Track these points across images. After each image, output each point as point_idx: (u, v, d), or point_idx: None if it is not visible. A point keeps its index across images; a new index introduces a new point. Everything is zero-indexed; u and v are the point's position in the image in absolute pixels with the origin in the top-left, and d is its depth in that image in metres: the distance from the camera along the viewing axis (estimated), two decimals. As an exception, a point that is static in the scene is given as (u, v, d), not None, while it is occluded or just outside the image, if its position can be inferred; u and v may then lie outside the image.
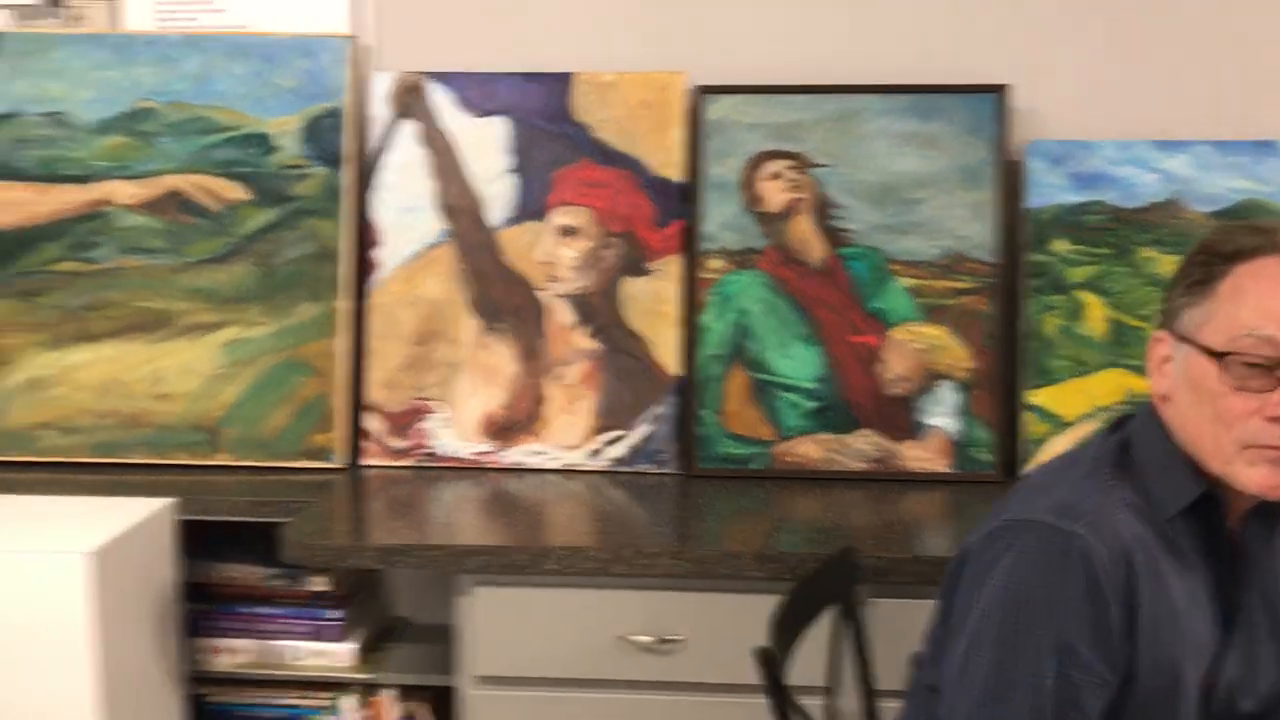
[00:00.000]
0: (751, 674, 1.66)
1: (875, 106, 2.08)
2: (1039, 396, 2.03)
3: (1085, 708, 1.12)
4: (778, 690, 1.34)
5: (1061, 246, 2.06)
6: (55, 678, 1.67)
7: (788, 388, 2.07)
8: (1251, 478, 1.12)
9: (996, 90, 2.06)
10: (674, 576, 1.68)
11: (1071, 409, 2.01)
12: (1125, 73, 2.10)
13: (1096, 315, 2.04)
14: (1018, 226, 2.08)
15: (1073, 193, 2.06)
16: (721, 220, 2.09)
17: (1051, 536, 1.14)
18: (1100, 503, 1.16)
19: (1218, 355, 1.11)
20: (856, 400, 2.06)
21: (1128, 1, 2.09)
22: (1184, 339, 1.16)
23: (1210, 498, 1.18)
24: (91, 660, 1.66)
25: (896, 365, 2.06)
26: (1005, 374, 2.05)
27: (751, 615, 1.66)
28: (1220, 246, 1.16)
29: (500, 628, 1.72)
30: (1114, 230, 2.04)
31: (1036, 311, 2.05)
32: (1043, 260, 2.05)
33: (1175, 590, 1.16)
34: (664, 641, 1.69)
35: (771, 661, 1.34)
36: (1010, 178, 2.08)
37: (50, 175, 2.14)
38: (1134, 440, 1.22)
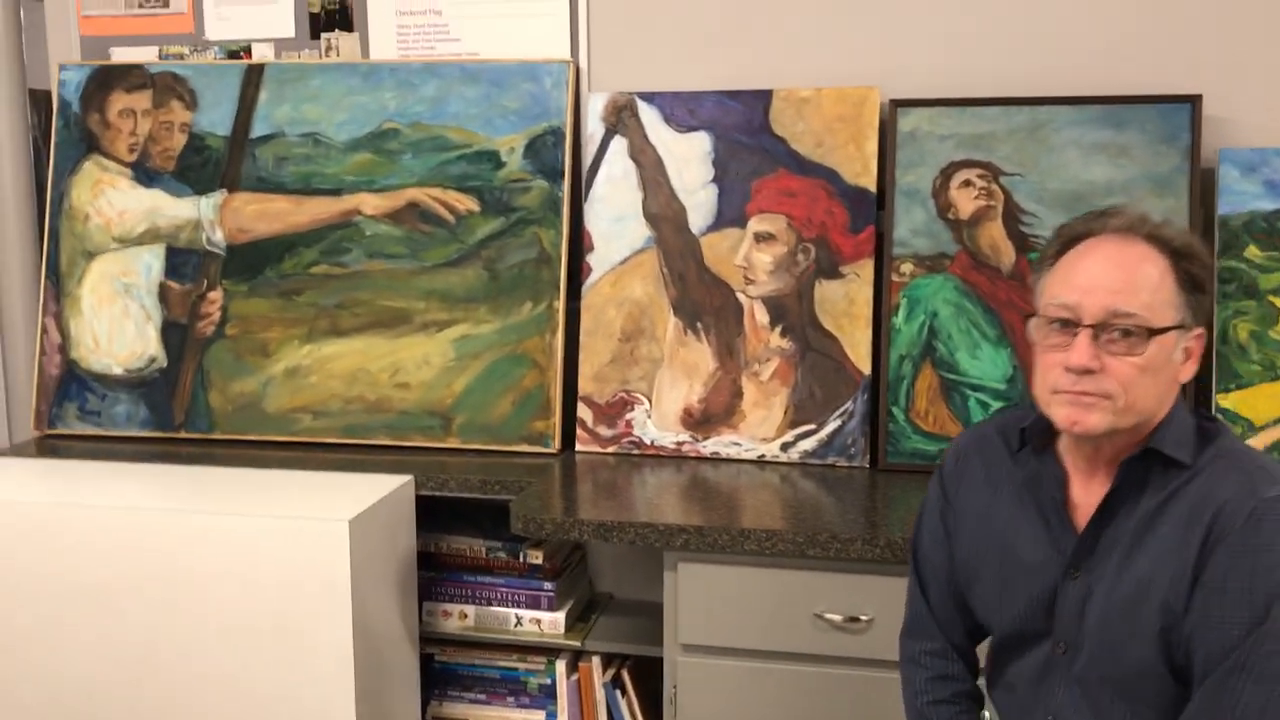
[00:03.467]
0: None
1: (1066, 117, 2.14)
2: (1229, 400, 2.06)
3: None
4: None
5: (1254, 253, 2.08)
6: (318, 631, 1.90)
7: (976, 387, 2.16)
8: (1057, 416, 1.29)
9: (1191, 100, 2.09)
10: (865, 561, 1.80)
11: (1262, 413, 2.04)
12: (1324, 79, 2.11)
13: (1291, 321, 2.06)
14: (1209, 233, 2.11)
15: (1265, 200, 2.08)
16: (912, 227, 2.20)
17: None
18: None
19: (1034, 317, 1.33)
20: (1043, 400, 2.13)
21: (1328, 8, 2.10)
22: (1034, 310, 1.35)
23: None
24: (348, 614, 1.89)
25: (1084, 367, 2.12)
26: (1195, 377, 2.08)
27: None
28: (1066, 231, 1.34)
29: (703, 601, 1.88)
30: (1310, 236, 2.06)
31: (1228, 317, 2.08)
32: (1234, 266, 2.08)
33: None
34: (854, 620, 1.82)
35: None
36: (1202, 185, 2.11)
37: (307, 189, 2.42)
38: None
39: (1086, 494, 1.33)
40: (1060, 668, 1.32)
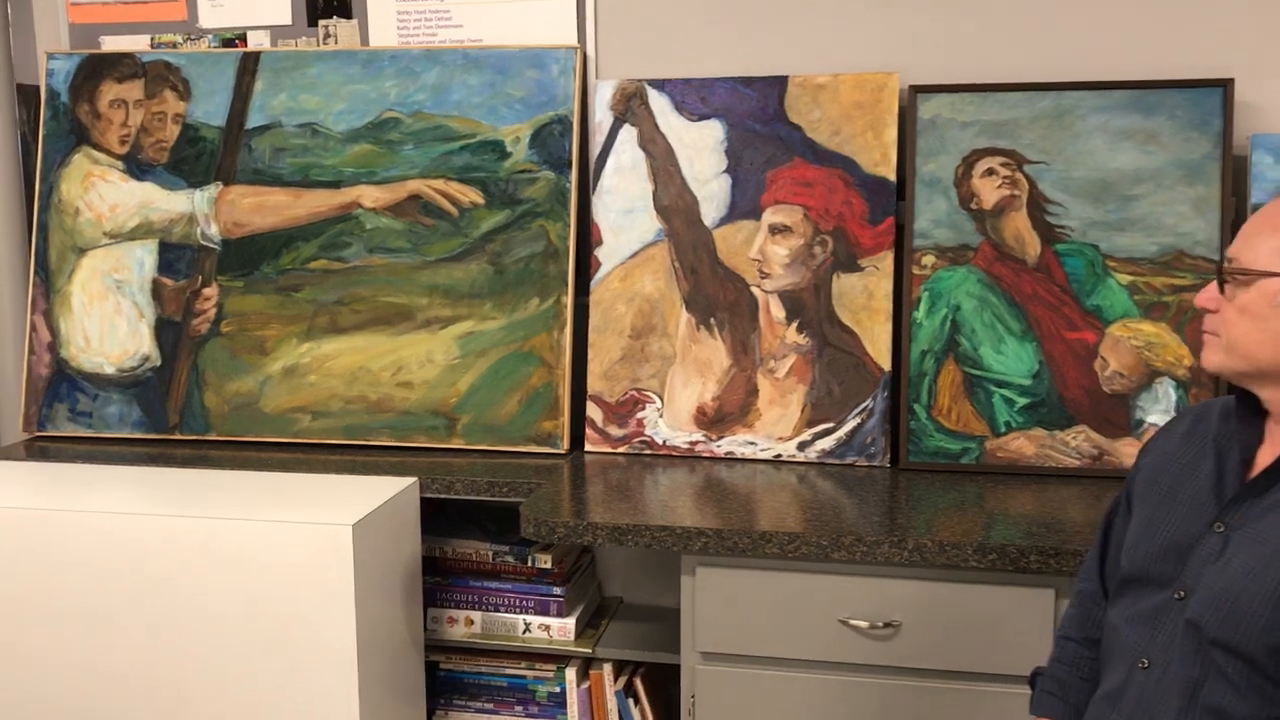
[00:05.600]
0: (966, 660, 1.73)
1: (1092, 103, 2.07)
2: (1264, 395, 1.99)
3: None
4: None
5: (1290, 242, 2.01)
6: (320, 639, 1.83)
7: (1001, 383, 2.09)
8: None
9: (1222, 85, 2.02)
10: (892, 564, 1.73)
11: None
12: (1362, 62, 2.04)
13: (1328, 312, 1.98)
14: (1240, 224, 2.03)
15: (1302, 187, 2.01)
16: (934, 217, 2.12)
17: None
18: None
19: None
20: (1071, 397, 2.06)
21: (1365, -12, 2.03)
22: None
23: None
24: (351, 622, 1.82)
25: (1114, 362, 2.05)
26: (1228, 372, 2.01)
27: (967, 603, 1.72)
28: None
29: (722, 607, 1.80)
30: (1348, 225, 1.98)
31: (1262, 308, 2.00)
32: (1269, 256, 2.01)
33: None
34: (882, 626, 1.75)
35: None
36: (1235, 173, 2.04)
37: (305, 181, 2.34)
38: None
39: (1268, 459, 1.28)
40: (1173, 613, 1.26)
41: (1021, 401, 2.08)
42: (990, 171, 2.10)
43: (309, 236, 2.33)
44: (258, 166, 2.35)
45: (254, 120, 2.36)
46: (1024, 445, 2.08)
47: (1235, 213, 2.03)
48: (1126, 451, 2.04)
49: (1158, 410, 2.03)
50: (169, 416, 2.37)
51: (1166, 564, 1.28)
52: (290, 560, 1.83)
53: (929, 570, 1.74)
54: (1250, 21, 2.06)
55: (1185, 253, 2.04)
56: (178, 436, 2.37)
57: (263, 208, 2.35)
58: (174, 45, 2.47)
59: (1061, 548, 1.67)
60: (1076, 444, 2.06)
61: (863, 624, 1.75)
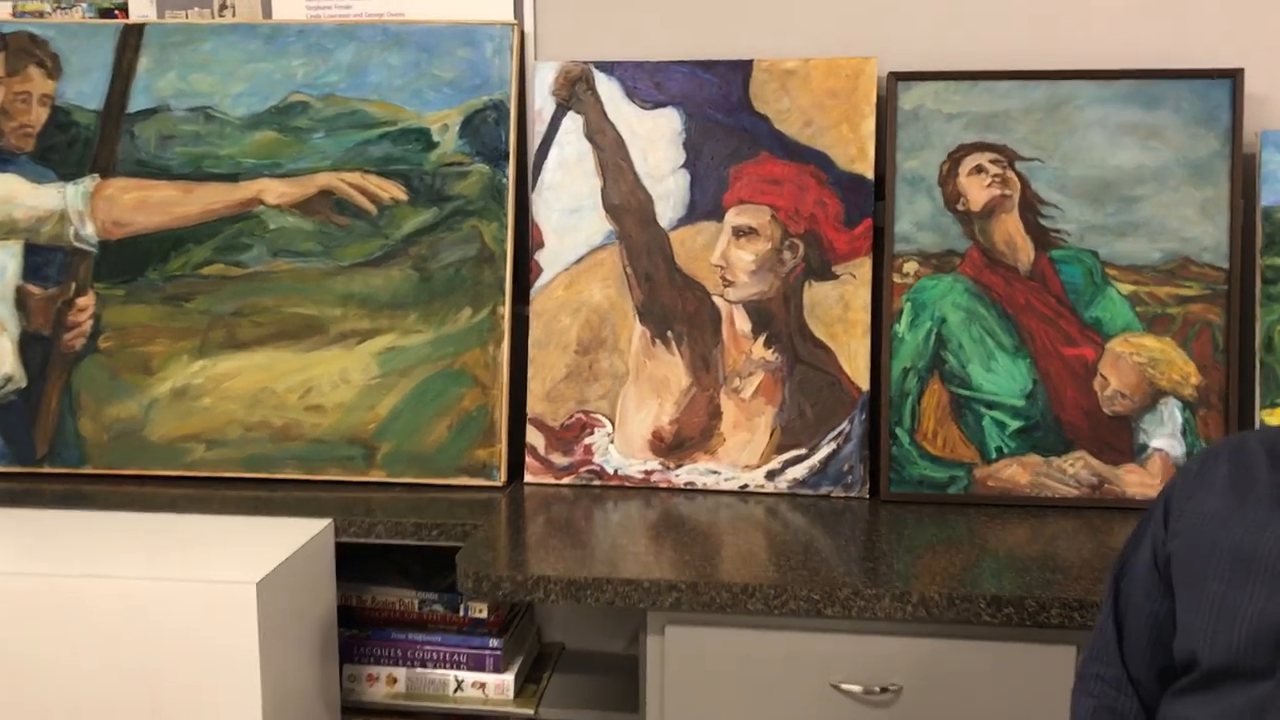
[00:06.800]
0: (979, 729, 1.52)
1: (1090, 94, 1.88)
2: (1276, 416, 1.82)
3: None
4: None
5: (1302, 249, 1.84)
6: (221, 710, 1.56)
7: (991, 404, 1.88)
8: None
9: (1231, 75, 1.85)
10: (892, 620, 1.51)
11: (1323, 432, 1.79)
12: (1375, 53, 1.88)
13: (1345, 326, 1.82)
14: (1250, 228, 1.86)
15: (1314, 188, 1.85)
16: (916, 220, 1.91)
17: None
18: None
19: None
20: (1069, 419, 1.86)
21: (1379, -27, 1.88)
22: None
23: None
24: (256, 691, 1.55)
25: (1114, 380, 1.86)
26: (1238, 391, 1.84)
27: (975, 663, 1.51)
28: None
29: (696, 671, 1.56)
30: (1365, 230, 1.83)
31: (1273, 322, 1.83)
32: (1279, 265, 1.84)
33: None
34: (880, 691, 1.52)
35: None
36: (1244, 173, 1.87)
37: (197, 174, 2.04)
38: None
39: None
40: None
41: (1014, 425, 1.88)
42: (979, 169, 1.90)
43: (202, 238, 2.03)
44: (141, 157, 2.05)
45: (137, 103, 2.05)
46: (1017, 473, 1.87)
47: (1245, 217, 1.86)
48: (1129, 480, 1.85)
49: (1163, 434, 1.85)
50: (37, 447, 2.05)
51: (1262, 651, 1.06)
52: (182, 626, 1.55)
53: (930, 625, 1.52)
54: (1259, 6, 1.89)
55: (1192, 260, 1.85)
56: (47, 470, 2.05)
57: (147, 204, 2.04)
58: (41, 15, 2.14)
59: (1086, 599, 1.46)
60: (1074, 471, 1.86)
61: (857, 689, 1.53)
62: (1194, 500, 1.17)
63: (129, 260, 2.05)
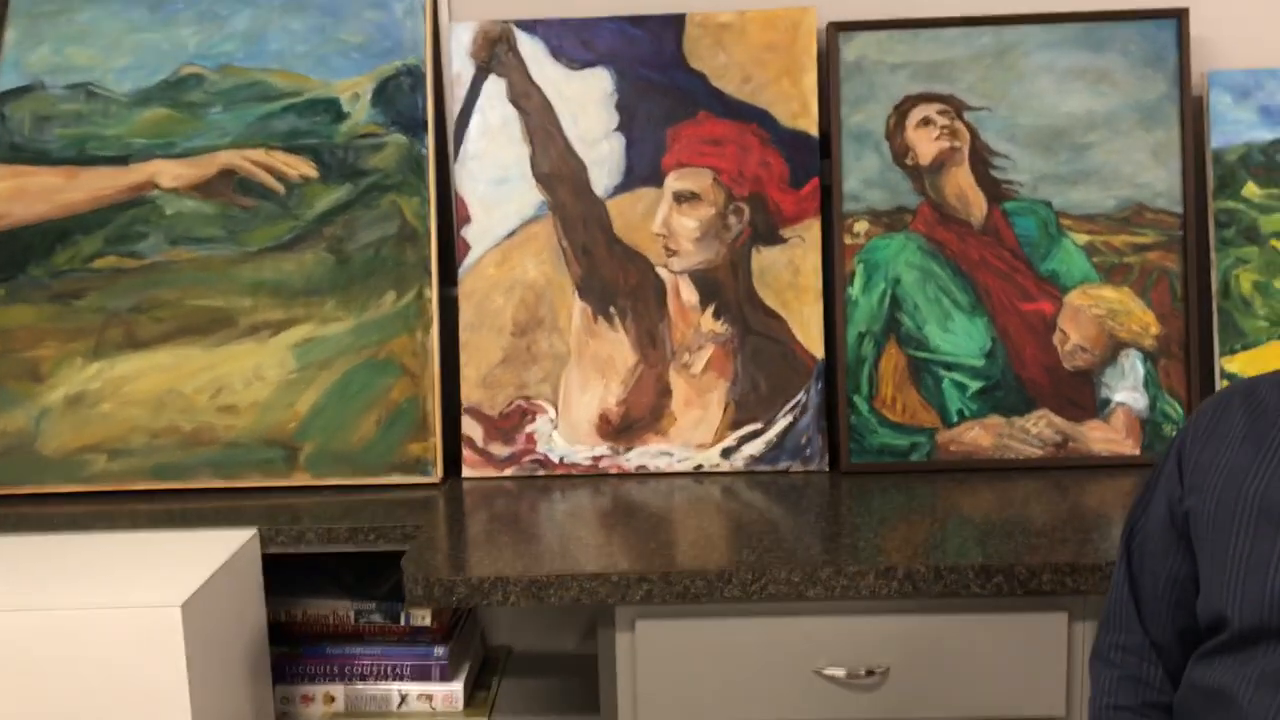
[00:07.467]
0: (968, 703, 1.44)
1: (1037, 39, 1.81)
2: (1236, 363, 1.79)
3: None
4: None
5: (1252, 191, 1.81)
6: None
7: (950, 366, 1.81)
8: None
9: (1176, 15, 1.80)
10: (877, 598, 1.42)
11: None
12: (1316, -11, 1.85)
13: (1299, 267, 1.80)
14: (1202, 170, 1.82)
15: (1261, 129, 1.81)
16: (865, 177, 1.82)
17: None
18: None
19: None
20: (1030, 377, 1.80)
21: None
22: None
23: None
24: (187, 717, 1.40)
25: (1074, 335, 1.80)
26: (1198, 339, 1.80)
27: (963, 637, 1.44)
28: None
29: (671, 666, 1.46)
30: (1314, 170, 1.80)
31: (1228, 267, 1.80)
32: (1232, 208, 1.80)
33: None
34: (865, 674, 1.44)
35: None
36: (1192, 114, 1.82)
37: (82, 157, 1.86)
38: None
39: None
40: None
41: (974, 386, 1.81)
42: (926, 121, 1.82)
43: (91, 228, 1.85)
44: (16, 141, 1.86)
45: (7, 81, 1.86)
46: (980, 436, 1.81)
47: (1197, 160, 1.82)
48: (1094, 437, 1.80)
49: (1124, 387, 1.80)
50: (-88, 468, 1.84)
51: None
52: (101, 657, 1.38)
53: (914, 601, 1.44)
54: (1201, -57, 1.85)
55: (1146, 206, 1.81)
56: (-74, 493, 1.85)
57: (26, 193, 1.85)
58: (-111, -13, 1.93)
59: (1078, 563, 1.39)
60: (1038, 431, 1.80)
61: (841, 673, 1.44)
62: (1209, 452, 1.11)
63: (8, 256, 1.86)
